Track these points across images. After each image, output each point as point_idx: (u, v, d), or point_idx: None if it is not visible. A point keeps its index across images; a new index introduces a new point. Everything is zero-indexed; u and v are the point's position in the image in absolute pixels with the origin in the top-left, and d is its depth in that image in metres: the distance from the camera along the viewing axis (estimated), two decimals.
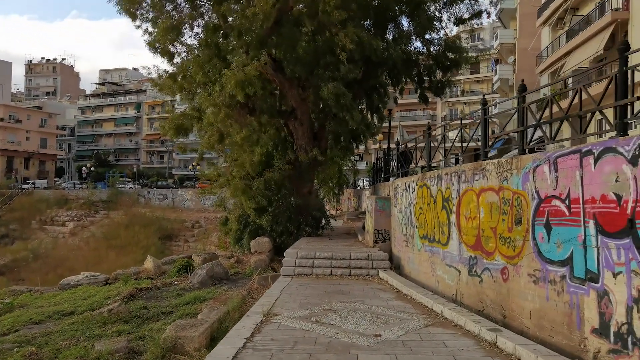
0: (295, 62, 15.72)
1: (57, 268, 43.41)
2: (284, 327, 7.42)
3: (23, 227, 59.41)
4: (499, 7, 48.67)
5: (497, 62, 57.00)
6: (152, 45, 17.12)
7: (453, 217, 9.46)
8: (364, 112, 20.15)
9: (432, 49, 18.32)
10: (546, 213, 6.50)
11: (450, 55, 17.98)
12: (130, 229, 52.23)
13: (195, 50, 17.33)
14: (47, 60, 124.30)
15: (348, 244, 15.53)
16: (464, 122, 11.53)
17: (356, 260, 12.82)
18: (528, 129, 7.54)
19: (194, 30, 17.20)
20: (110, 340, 9.33)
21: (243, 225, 18.49)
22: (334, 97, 14.83)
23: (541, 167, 6.64)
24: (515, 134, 8.29)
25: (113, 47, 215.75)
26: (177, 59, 17.72)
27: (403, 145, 14.64)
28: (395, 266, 13.19)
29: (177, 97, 21.06)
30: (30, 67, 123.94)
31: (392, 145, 18.59)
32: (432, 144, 11.82)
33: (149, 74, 18.74)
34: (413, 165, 13.79)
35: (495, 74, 53.16)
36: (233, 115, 16.33)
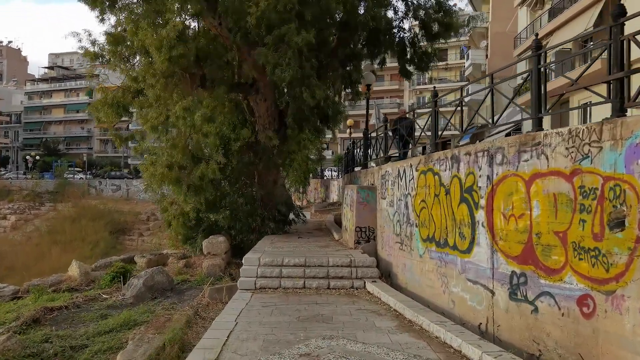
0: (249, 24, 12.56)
1: None
2: None
3: None
4: None
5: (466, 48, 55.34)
6: None
7: (480, 214, 6.71)
8: (331, 89, 17.21)
9: (420, 13, 15.55)
10: None
11: (440, 17, 15.24)
12: (78, 222, 47.97)
13: (134, 7, 13.99)
14: None
15: (323, 245, 12.67)
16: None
17: (336, 267, 9.97)
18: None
19: None
20: None
21: (195, 221, 15.33)
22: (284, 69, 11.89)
23: None
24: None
25: (64, 32, 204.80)
26: (110, 17, 14.31)
27: (399, 116, 11.73)
28: (385, 274, 10.43)
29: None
30: None
31: (372, 126, 15.77)
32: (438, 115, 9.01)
33: (80, 41, 15.01)
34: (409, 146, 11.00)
35: (467, 60, 51.27)
36: (179, 86, 13.14)
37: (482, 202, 6.66)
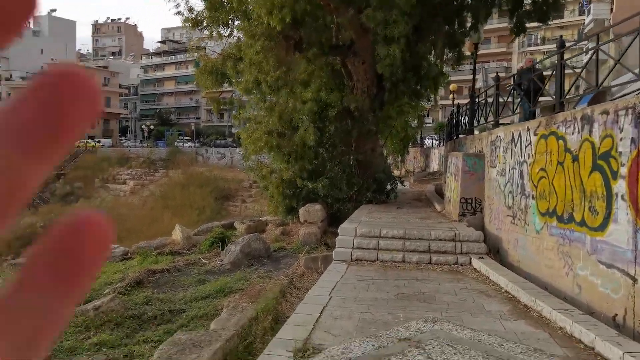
0: None
1: (115, 228, 42.57)
2: None
3: (87, 185, 59.59)
4: None
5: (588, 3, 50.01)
6: None
7: (620, 185, 5.58)
8: (432, 52, 15.90)
9: None
10: None
11: None
12: (187, 189, 50.76)
13: None
14: (112, 20, 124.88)
15: (423, 216, 11.87)
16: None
17: (438, 241, 9.18)
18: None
19: None
20: None
21: (294, 190, 15.16)
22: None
23: None
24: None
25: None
26: None
27: (523, 66, 10.32)
28: (493, 250, 9.45)
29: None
30: (97, 27, 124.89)
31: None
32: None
33: (177, 6, 15.08)
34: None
35: (588, 15, 46.22)
36: (274, 49, 12.78)
37: (623, 170, 5.51)
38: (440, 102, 53.24)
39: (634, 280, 5.30)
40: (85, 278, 0.27)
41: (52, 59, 73.22)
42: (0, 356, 0.22)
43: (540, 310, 6.00)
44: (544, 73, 10.38)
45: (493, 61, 69.30)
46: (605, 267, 5.83)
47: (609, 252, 5.78)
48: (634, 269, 5.32)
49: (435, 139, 48.04)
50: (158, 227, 36.55)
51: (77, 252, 0.27)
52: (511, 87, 10.44)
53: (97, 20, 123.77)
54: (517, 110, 10.49)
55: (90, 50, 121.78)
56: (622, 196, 5.53)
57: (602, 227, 5.91)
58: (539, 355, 4.72)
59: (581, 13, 56.10)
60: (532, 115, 9.20)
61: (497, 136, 9.80)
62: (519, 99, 9.99)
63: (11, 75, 69.61)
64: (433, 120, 62.29)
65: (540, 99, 10.13)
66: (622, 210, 5.53)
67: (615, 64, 6.57)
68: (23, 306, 0.25)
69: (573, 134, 6.70)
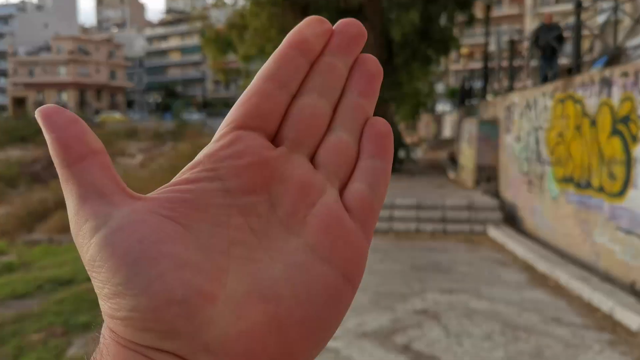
0: None
1: None
2: None
3: None
4: None
5: None
6: None
7: (639, 150, 5.42)
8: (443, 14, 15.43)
9: None
10: None
11: None
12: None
13: None
14: None
15: (437, 185, 11.75)
16: None
17: (453, 210, 9.09)
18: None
19: None
20: (94, 337, 6.46)
21: None
22: None
23: None
24: None
25: None
26: None
27: (541, 23, 9.77)
28: (509, 218, 9.34)
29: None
30: None
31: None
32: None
33: None
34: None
35: None
36: (280, 16, 12.48)
37: None
38: (452, 68, 52.33)
39: None
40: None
41: (56, 33, 72.65)
42: (359, 197, 0.26)
43: (557, 279, 5.93)
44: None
45: (505, 24, 67.58)
46: (624, 233, 5.72)
47: (628, 219, 5.65)
48: None
49: (447, 105, 47.38)
50: None
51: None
52: (527, 49, 10.06)
53: None
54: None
55: (94, 23, 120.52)
56: None
57: (621, 193, 5.77)
58: (557, 324, 4.67)
59: None
60: (552, 77, 8.84)
61: (513, 101, 9.57)
62: (537, 60, 9.64)
63: (17, 51, 69.26)
64: (445, 86, 61.31)
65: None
66: None
67: (635, 24, 6.29)
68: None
69: (591, 97, 6.49)
